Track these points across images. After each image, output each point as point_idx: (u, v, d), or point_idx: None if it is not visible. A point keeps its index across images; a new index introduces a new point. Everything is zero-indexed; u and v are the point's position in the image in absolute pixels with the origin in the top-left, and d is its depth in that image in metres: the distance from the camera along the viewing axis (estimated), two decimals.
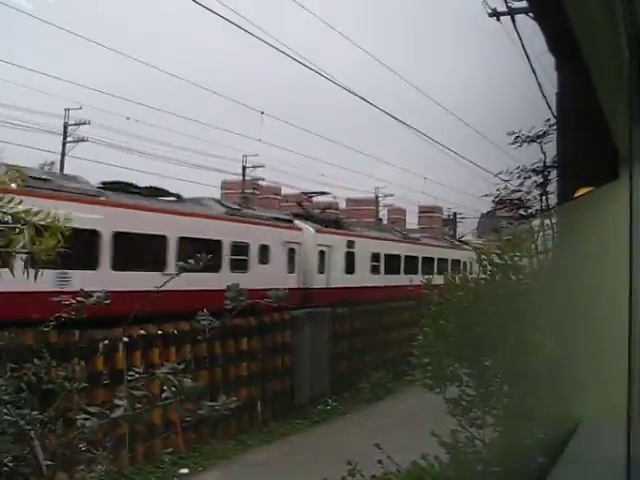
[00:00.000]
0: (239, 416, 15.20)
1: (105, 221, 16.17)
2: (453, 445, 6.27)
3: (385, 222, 59.84)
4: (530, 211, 9.83)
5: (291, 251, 22.08)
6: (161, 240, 17.13)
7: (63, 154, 45.40)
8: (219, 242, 18.63)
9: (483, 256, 7.22)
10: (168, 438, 12.29)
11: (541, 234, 8.39)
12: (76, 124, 45.43)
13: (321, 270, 22.70)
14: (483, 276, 7.14)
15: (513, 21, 12.64)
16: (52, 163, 47.93)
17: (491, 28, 13.69)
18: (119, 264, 15.90)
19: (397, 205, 73.86)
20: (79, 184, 17.02)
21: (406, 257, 28.71)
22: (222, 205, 21.81)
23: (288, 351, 18.19)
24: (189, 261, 2.69)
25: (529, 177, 9.67)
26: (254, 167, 53.89)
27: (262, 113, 45.23)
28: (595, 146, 7.95)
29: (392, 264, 27.13)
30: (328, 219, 28.34)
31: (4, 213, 1.48)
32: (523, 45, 12.36)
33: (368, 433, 15.03)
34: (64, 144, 45.26)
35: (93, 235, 15.65)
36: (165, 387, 1.96)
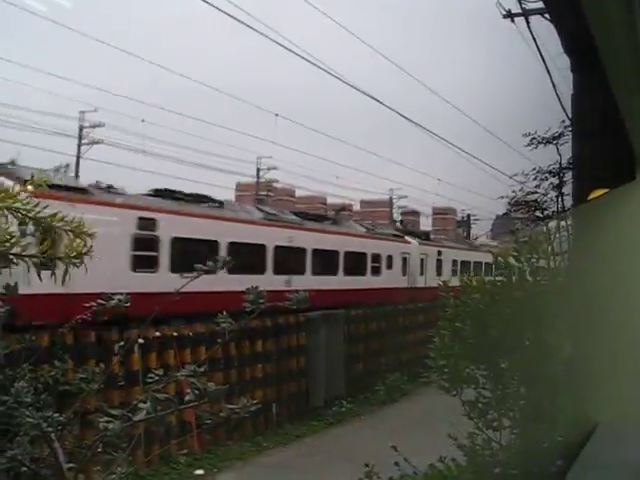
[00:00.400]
0: (254, 418, 15.20)
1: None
2: (470, 447, 6.25)
3: (398, 224, 59.65)
4: (546, 213, 9.79)
5: (404, 259, 29.33)
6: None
7: (78, 156, 45.67)
8: (364, 254, 26.17)
9: (500, 258, 7.20)
10: (183, 439, 12.30)
11: (557, 236, 8.36)
12: (91, 126, 45.72)
13: (421, 273, 30.53)
14: (500, 278, 7.12)
15: (527, 22, 12.61)
16: (67, 165, 48.20)
17: (505, 29, 13.65)
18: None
19: (411, 207, 73.84)
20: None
21: (469, 262, 34.84)
22: (362, 225, 30.83)
23: (303, 353, 18.19)
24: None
25: (545, 179, 9.63)
26: (268, 169, 54.02)
27: (276, 115, 45.32)
28: (611, 147, 7.94)
29: (463, 267, 32.98)
30: (423, 233, 39.22)
31: (31, 218, 1.49)
32: (537, 46, 12.33)
33: (383, 435, 15.00)
34: (79, 146, 45.54)
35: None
36: (188, 390, 1.97)
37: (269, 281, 18.27)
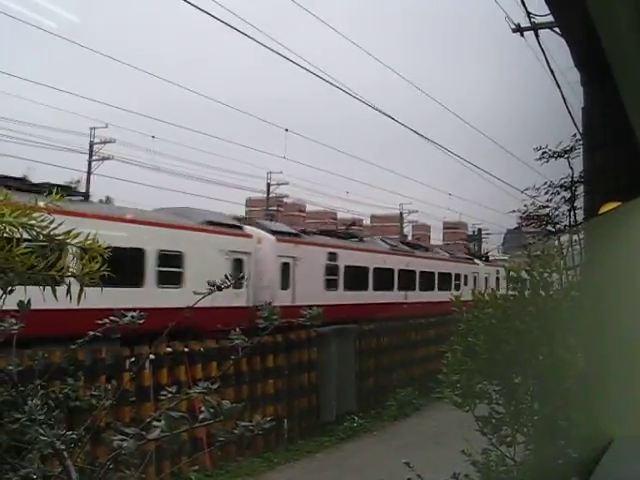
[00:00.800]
0: (265, 433, 15.15)
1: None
2: (484, 464, 6.20)
3: (410, 238, 59.73)
4: (558, 227, 9.75)
5: (474, 277, 38.61)
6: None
7: (89, 172, 45.93)
8: (450, 274, 35.95)
9: (512, 272, 7.17)
10: (195, 456, 12.26)
11: (570, 250, 8.33)
12: (101, 142, 46.00)
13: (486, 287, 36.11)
14: (512, 292, 7.08)
15: (537, 36, 12.62)
16: (78, 181, 48.48)
17: (514, 44, 13.68)
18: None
19: (421, 221, 73.80)
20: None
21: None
22: (445, 252, 41.49)
23: (314, 368, 18.13)
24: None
25: (557, 193, 9.61)
26: (278, 184, 54.14)
27: (286, 130, 45.50)
28: (623, 160, 7.91)
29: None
30: (484, 255, 48.46)
31: (45, 235, 1.49)
32: (547, 60, 12.34)
33: (395, 450, 14.94)
34: (90, 162, 45.81)
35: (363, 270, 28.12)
36: (202, 408, 1.96)
37: (395, 295, 28.93)
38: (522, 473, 5.66)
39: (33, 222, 1.47)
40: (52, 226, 1.50)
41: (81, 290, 1.62)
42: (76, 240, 1.55)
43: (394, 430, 18.74)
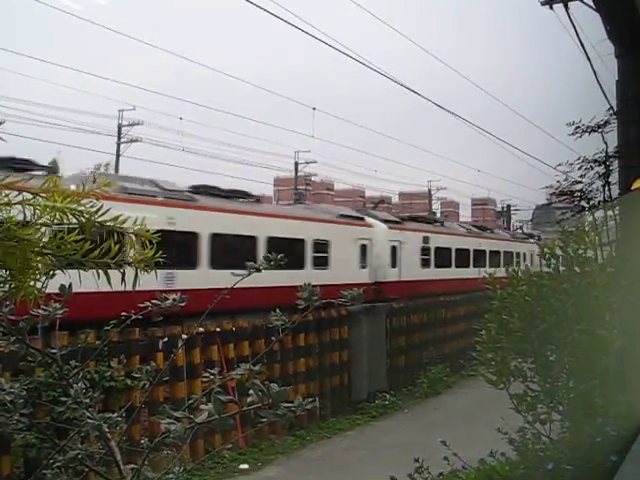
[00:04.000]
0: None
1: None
2: (521, 442, 6.18)
3: (438, 215, 59.48)
4: (592, 202, 9.62)
5: (531, 255, 40.67)
6: None
7: (118, 154, 46.23)
8: (512, 252, 40.99)
9: (546, 249, 7.11)
10: (228, 433, 12.36)
11: (604, 226, 8.23)
12: (129, 124, 46.23)
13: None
14: (547, 270, 7.03)
15: (566, 8, 12.40)
16: (107, 164, 48.83)
17: (544, 17, 13.48)
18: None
19: (450, 198, 73.39)
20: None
21: None
22: (508, 233, 48.88)
23: (345, 346, 18.17)
24: None
25: (591, 168, 9.46)
26: (307, 163, 54.10)
27: (314, 109, 45.34)
28: None
29: None
30: (537, 236, 48.92)
31: (96, 223, 1.49)
32: (577, 33, 12.13)
33: (427, 428, 14.98)
34: (118, 145, 46.10)
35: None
36: (251, 392, 1.97)
37: (471, 272, 31.84)
38: (559, 451, 5.63)
39: (82, 209, 1.48)
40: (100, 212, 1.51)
41: (136, 276, 1.63)
42: (125, 226, 1.55)
43: (425, 407, 18.74)
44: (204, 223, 19.67)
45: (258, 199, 25.54)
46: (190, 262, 19.03)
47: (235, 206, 21.87)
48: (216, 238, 20.03)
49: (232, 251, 20.02)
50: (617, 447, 4.63)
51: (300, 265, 22.68)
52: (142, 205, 17.23)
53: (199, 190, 21.57)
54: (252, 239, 21.25)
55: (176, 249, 17.24)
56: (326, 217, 25.91)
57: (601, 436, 5.35)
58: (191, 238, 19.24)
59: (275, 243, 21.03)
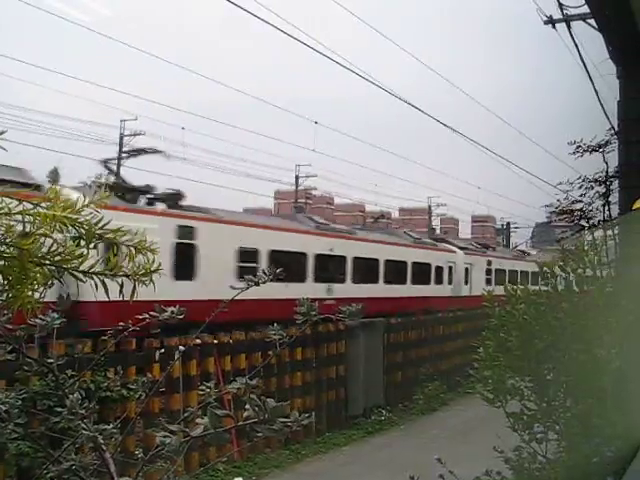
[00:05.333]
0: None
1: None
2: (517, 461, 6.15)
3: (438, 232, 59.54)
4: (592, 222, 9.63)
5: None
6: None
7: (119, 164, 46.30)
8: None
9: (545, 268, 7.10)
10: (223, 446, 12.31)
11: (603, 245, 8.23)
12: (132, 135, 46.33)
13: None
14: (545, 288, 7.02)
15: (569, 28, 12.47)
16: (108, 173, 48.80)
17: (546, 36, 13.56)
18: None
19: (450, 214, 73.37)
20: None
21: None
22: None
23: (343, 361, 18.13)
24: None
25: (591, 187, 9.49)
26: (307, 176, 54.17)
27: (315, 123, 45.48)
28: None
29: None
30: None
31: (99, 235, 1.49)
32: (579, 52, 12.19)
33: (423, 445, 14.92)
34: (119, 154, 46.15)
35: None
36: (247, 406, 1.96)
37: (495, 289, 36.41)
38: (555, 471, 5.61)
39: (83, 220, 1.47)
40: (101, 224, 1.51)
41: (134, 289, 1.62)
42: (125, 238, 1.55)
43: (422, 424, 18.68)
44: (357, 251, 28.37)
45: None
46: (341, 279, 27.42)
47: (373, 236, 31.10)
48: (358, 261, 28.38)
49: (366, 270, 28.95)
50: (614, 468, 4.61)
51: (403, 281, 31.07)
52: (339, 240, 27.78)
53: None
54: (376, 261, 29.72)
55: (334, 269, 27.06)
56: (427, 244, 35.41)
57: (598, 456, 5.32)
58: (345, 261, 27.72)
59: (390, 265, 30.25)
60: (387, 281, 29.84)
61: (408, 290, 30.73)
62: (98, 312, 13.87)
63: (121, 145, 45.87)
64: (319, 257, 26.16)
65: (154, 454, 2.23)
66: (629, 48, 7.17)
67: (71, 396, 2.38)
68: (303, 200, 54.02)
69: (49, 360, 2.59)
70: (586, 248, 7.55)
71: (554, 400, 6.67)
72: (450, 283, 35.51)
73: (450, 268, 35.55)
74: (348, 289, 26.50)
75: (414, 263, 31.94)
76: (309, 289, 23.17)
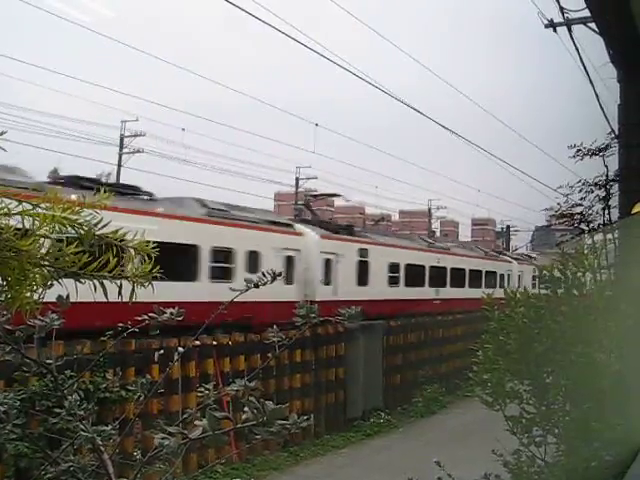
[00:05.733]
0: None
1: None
2: (516, 464, 6.15)
3: (438, 234, 59.59)
4: (592, 225, 9.63)
5: None
6: None
7: (119, 165, 46.28)
8: None
9: (545, 271, 7.09)
10: (221, 448, 12.29)
11: (603, 249, 8.23)
12: (132, 135, 46.32)
13: None
14: (545, 292, 7.01)
15: (570, 32, 12.48)
16: (109, 174, 48.92)
17: (547, 39, 13.58)
18: None
19: (450, 217, 73.37)
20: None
21: None
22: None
23: (342, 363, 18.12)
24: None
25: (591, 191, 9.48)
26: (307, 178, 54.15)
27: (316, 125, 45.47)
28: None
29: None
30: None
31: (94, 234, 1.49)
32: (580, 56, 12.20)
33: (421, 448, 14.91)
34: (120, 155, 46.17)
35: None
36: (246, 409, 1.95)
37: None
38: (553, 475, 5.60)
39: (82, 221, 1.47)
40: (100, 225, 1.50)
41: (133, 291, 1.62)
42: (125, 241, 1.54)
43: (420, 427, 18.67)
44: (450, 263, 36.12)
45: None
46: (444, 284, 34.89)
47: (467, 252, 40.07)
48: (455, 271, 36.02)
49: (459, 278, 36.38)
50: (613, 472, 4.60)
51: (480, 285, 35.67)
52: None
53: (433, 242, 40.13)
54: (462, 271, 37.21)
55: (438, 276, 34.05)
56: (492, 256, 43.80)
57: (596, 460, 5.32)
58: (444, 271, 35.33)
59: (474, 273, 38.14)
60: (471, 285, 36.63)
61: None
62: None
63: (121, 146, 45.86)
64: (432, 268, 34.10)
65: (152, 455, 2.22)
66: (630, 52, 7.17)
67: (70, 397, 2.38)
68: (303, 202, 53.98)
69: (48, 361, 2.58)
70: (586, 252, 7.54)
71: (553, 404, 6.66)
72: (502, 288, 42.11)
73: (509, 275, 42.79)
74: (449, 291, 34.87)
75: (487, 272, 39.90)
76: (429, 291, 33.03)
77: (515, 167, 34.97)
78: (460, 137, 25.50)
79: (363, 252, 28.23)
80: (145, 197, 21.41)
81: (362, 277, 28.10)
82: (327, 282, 25.92)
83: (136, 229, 1.65)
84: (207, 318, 3.04)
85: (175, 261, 17.90)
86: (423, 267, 33.28)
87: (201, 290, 19.19)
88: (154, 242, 1.62)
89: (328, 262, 26.25)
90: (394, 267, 30.60)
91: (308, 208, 33.91)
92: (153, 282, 1.68)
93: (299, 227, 26.37)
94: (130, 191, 20.89)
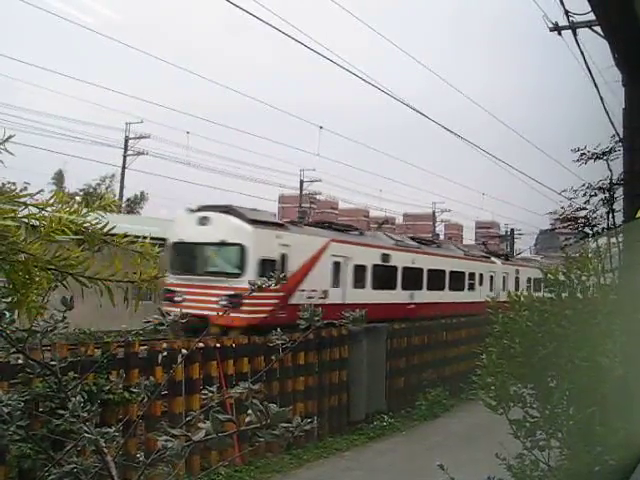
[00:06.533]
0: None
1: None
2: (519, 468, 6.14)
3: (442, 237, 59.57)
4: (596, 229, 9.63)
5: None
6: None
7: (124, 167, 46.34)
8: None
9: (549, 275, 7.09)
10: (225, 450, 12.29)
11: (607, 253, 8.22)
12: (136, 137, 46.40)
13: None
14: (549, 295, 7.01)
15: (575, 35, 12.48)
16: (112, 175, 48.99)
17: (552, 42, 13.60)
18: None
19: (454, 220, 73.38)
20: None
21: None
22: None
23: (345, 366, 18.09)
24: None
25: (595, 195, 9.48)
26: (311, 181, 54.17)
27: (320, 127, 45.51)
28: None
29: None
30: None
31: (102, 240, 1.49)
32: (585, 59, 12.19)
33: (424, 451, 14.90)
34: (124, 157, 46.23)
35: None
36: (249, 411, 1.95)
37: None
38: (557, 479, 5.59)
39: (87, 224, 1.47)
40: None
41: (139, 298, 1.62)
42: (131, 245, 1.54)
43: (424, 430, 18.64)
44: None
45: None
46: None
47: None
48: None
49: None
50: (616, 477, 4.60)
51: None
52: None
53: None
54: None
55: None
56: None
57: (600, 465, 5.31)
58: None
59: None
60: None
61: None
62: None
63: (126, 148, 45.94)
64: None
65: (156, 458, 2.23)
66: (635, 55, 7.16)
67: (73, 398, 2.38)
68: (307, 205, 54.02)
69: (52, 362, 2.59)
70: (590, 255, 7.54)
71: (557, 408, 6.66)
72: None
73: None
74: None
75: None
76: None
77: (519, 170, 34.92)
78: (465, 140, 25.51)
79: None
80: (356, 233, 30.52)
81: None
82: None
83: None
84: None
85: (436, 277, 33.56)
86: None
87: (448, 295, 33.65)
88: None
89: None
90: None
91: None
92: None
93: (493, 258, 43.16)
94: (349, 229, 30.62)
